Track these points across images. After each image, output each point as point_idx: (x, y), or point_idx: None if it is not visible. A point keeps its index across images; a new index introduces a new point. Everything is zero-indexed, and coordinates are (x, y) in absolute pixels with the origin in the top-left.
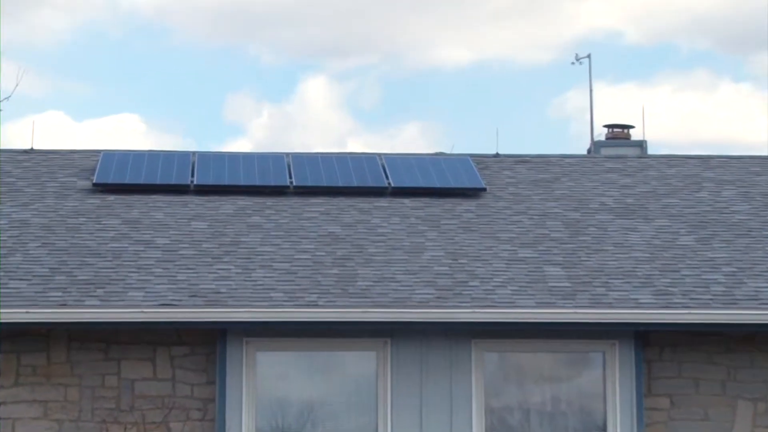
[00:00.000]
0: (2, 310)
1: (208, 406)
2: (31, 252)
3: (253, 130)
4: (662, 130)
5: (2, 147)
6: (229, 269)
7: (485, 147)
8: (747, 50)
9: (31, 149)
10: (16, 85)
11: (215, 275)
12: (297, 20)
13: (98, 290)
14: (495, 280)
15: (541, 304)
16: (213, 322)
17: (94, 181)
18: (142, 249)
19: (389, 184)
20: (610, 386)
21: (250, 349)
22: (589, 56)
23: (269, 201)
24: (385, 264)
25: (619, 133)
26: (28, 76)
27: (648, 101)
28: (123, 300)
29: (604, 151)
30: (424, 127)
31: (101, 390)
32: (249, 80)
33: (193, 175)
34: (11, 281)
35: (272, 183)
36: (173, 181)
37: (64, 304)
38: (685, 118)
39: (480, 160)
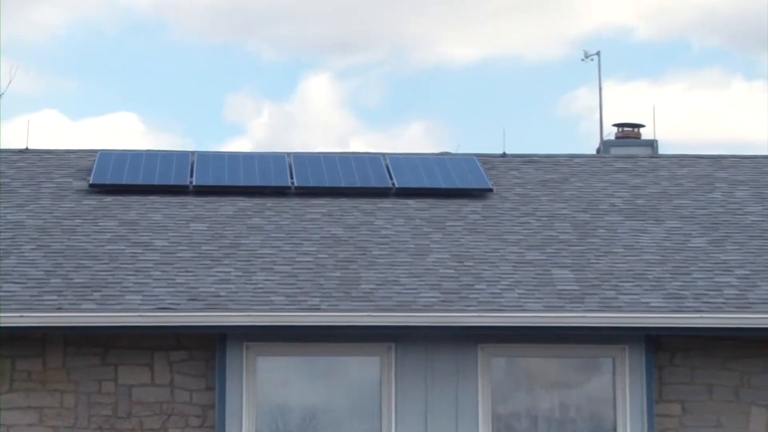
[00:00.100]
0: None
1: (208, 412)
2: (26, 254)
3: (253, 130)
4: (673, 129)
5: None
6: (229, 272)
7: (492, 146)
8: (760, 48)
9: (26, 149)
10: (9, 82)
11: (215, 278)
12: (298, 16)
13: (95, 294)
14: (502, 283)
15: (549, 308)
16: (212, 327)
17: (90, 182)
18: (139, 251)
19: (393, 184)
20: (620, 392)
21: (250, 354)
22: (598, 53)
23: (270, 202)
24: (389, 267)
25: (629, 133)
26: (22, 74)
27: (659, 100)
28: (120, 304)
29: (614, 151)
30: (429, 126)
31: (98, 396)
32: (249, 78)
33: (192, 176)
34: (5, 284)
35: (273, 183)
36: (172, 182)
37: (60, 308)
38: (696, 116)
39: (486, 160)
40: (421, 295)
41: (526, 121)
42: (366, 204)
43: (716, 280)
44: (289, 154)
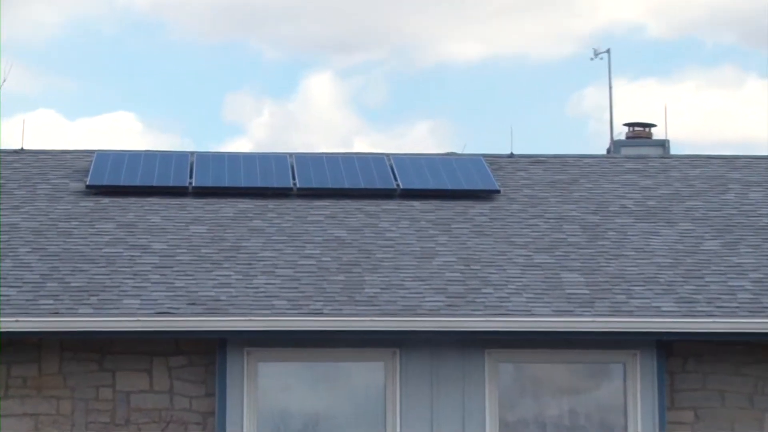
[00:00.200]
0: None
1: (208, 419)
2: (21, 258)
3: (253, 130)
4: (685, 128)
5: None
6: (230, 276)
7: (499, 147)
8: None
9: (22, 149)
10: (4, 81)
11: (215, 282)
12: (299, 14)
13: (92, 298)
14: (509, 286)
15: (558, 313)
16: (212, 332)
17: (87, 183)
18: (138, 254)
19: (398, 185)
20: (631, 399)
21: (251, 360)
22: (608, 51)
23: (271, 203)
24: (394, 270)
25: (640, 132)
26: (18, 73)
27: (670, 98)
28: (118, 308)
29: (624, 151)
30: (435, 126)
31: (95, 403)
32: (249, 77)
33: (191, 177)
34: (0, 288)
35: (275, 185)
36: (171, 183)
37: (56, 313)
38: (709, 116)
39: (493, 160)
40: (427, 299)
41: (534, 120)
42: (370, 206)
43: (730, 283)
44: (291, 154)
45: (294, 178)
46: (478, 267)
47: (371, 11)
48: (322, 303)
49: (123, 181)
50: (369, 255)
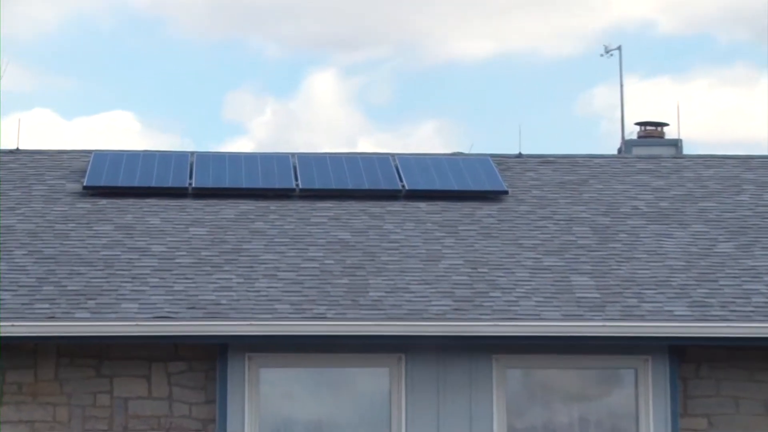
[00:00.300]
0: None
1: (208, 426)
2: (16, 260)
3: (255, 129)
4: (698, 128)
5: None
6: (230, 279)
7: (507, 146)
8: None
9: (17, 149)
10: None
11: (215, 285)
12: (301, 10)
13: (89, 302)
14: (518, 290)
15: (567, 317)
16: (213, 336)
17: (84, 184)
18: (136, 257)
19: (403, 186)
20: (643, 405)
21: (252, 366)
22: (619, 48)
23: (273, 205)
24: (399, 273)
25: (652, 132)
26: (13, 71)
27: (683, 97)
28: (116, 312)
29: (636, 151)
30: (441, 125)
31: (92, 409)
32: (250, 75)
33: (191, 177)
34: None
35: (277, 185)
36: (170, 184)
37: (53, 317)
38: (723, 114)
39: (501, 160)
40: (433, 303)
41: (542, 119)
42: (374, 207)
43: (744, 287)
44: (293, 154)
45: (296, 179)
46: (486, 270)
47: (376, 7)
48: (325, 307)
49: (121, 181)
50: (373, 257)
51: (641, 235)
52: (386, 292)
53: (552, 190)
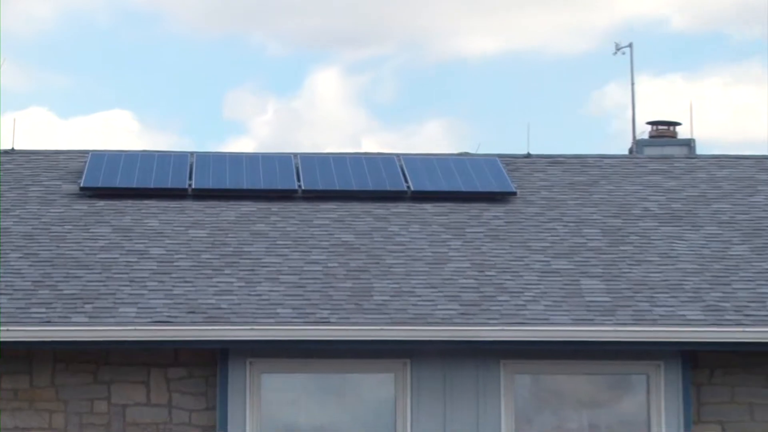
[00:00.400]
0: None
1: None
2: (11, 263)
3: (256, 128)
4: (712, 127)
5: None
6: (231, 282)
7: (515, 146)
8: None
9: (12, 150)
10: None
11: (216, 289)
12: (304, 6)
13: (86, 306)
14: (526, 294)
15: (577, 321)
16: (213, 341)
17: (81, 185)
18: (134, 260)
19: (408, 187)
20: (655, 412)
21: (254, 371)
22: (630, 45)
23: (275, 206)
24: (404, 276)
25: (664, 131)
26: (8, 69)
27: (696, 95)
28: (114, 317)
29: (648, 151)
30: (447, 125)
31: (89, 416)
32: (252, 73)
33: (191, 178)
34: None
35: (279, 186)
36: (169, 185)
37: (49, 322)
38: (737, 113)
39: (509, 160)
40: (439, 307)
41: (552, 119)
42: (379, 209)
43: (759, 290)
44: (295, 154)
45: (299, 180)
46: (493, 273)
47: (380, 3)
48: (328, 311)
49: (119, 183)
50: (378, 260)
51: (653, 238)
52: (391, 295)
53: (561, 191)
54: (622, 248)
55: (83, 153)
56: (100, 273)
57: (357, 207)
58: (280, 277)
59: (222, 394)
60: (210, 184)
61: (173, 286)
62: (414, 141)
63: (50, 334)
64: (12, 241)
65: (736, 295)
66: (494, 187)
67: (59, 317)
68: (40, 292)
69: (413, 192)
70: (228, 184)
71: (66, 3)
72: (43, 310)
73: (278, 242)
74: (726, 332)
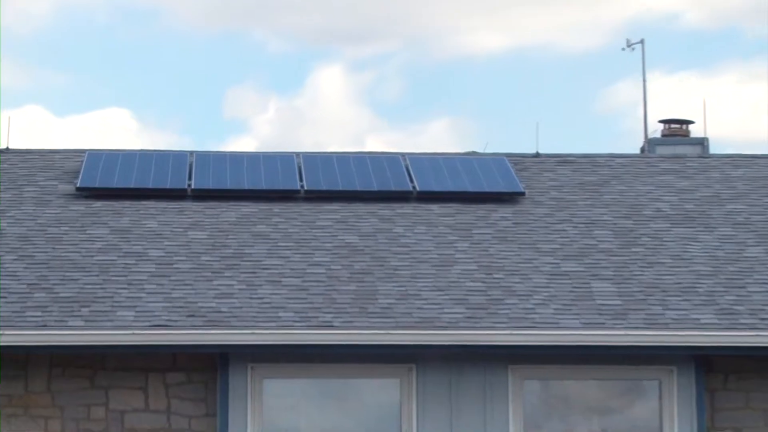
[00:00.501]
0: None
1: None
2: (6, 266)
3: (257, 127)
4: (726, 125)
5: None
6: (232, 285)
7: (523, 146)
8: None
9: (7, 149)
10: None
11: (216, 292)
12: (307, 2)
13: (83, 309)
14: (535, 297)
15: (587, 325)
16: (213, 346)
17: (77, 185)
18: (132, 262)
19: (414, 188)
20: (667, 419)
21: (255, 376)
22: (642, 42)
23: (277, 207)
24: (410, 279)
25: (676, 130)
26: (2, 66)
27: (710, 93)
28: (111, 320)
29: (660, 150)
30: (454, 123)
31: (86, 423)
32: (253, 70)
33: (190, 178)
34: None
35: (280, 187)
36: (168, 185)
37: (45, 326)
38: (752, 112)
39: (518, 160)
40: (445, 310)
41: (561, 117)
42: (384, 209)
43: None
44: (298, 154)
45: (301, 180)
46: (501, 276)
47: None
48: (332, 315)
49: (116, 183)
50: (383, 263)
51: (665, 239)
52: (396, 299)
53: (571, 191)
54: (633, 250)
55: (80, 152)
56: (97, 275)
57: (361, 208)
58: (282, 279)
59: (222, 400)
60: (210, 184)
61: (172, 289)
62: (419, 140)
63: (46, 338)
64: (7, 243)
65: (751, 298)
66: (502, 188)
67: (55, 321)
68: (35, 295)
69: (419, 192)
70: (228, 184)
71: None
72: (39, 313)
73: (280, 244)
74: (741, 336)
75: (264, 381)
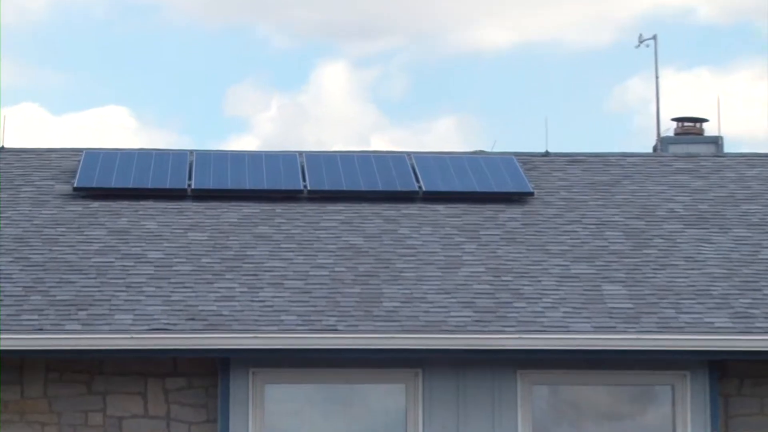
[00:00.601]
0: None
1: None
2: (1, 268)
3: (259, 125)
4: (741, 124)
5: None
6: (233, 288)
7: (532, 144)
8: None
9: (2, 148)
10: None
11: (216, 295)
12: None
13: (80, 312)
14: (544, 300)
15: (598, 329)
16: (214, 350)
17: (75, 185)
18: (131, 264)
19: (420, 187)
20: (681, 425)
21: (257, 382)
22: (654, 37)
23: (279, 208)
24: (416, 281)
25: (690, 128)
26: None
27: (724, 90)
28: (109, 324)
29: (673, 149)
30: (461, 122)
31: (84, 429)
32: (255, 67)
33: (190, 178)
34: None
35: (283, 187)
36: (167, 185)
37: (41, 329)
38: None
39: (526, 159)
40: (452, 314)
41: (571, 115)
42: (389, 210)
43: None
44: (301, 153)
45: (304, 180)
46: (510, 278)
47: None
48: (335, 318)
49: (114, 183)
50: (388, 265)
51: (678, 240)
52: (402, 302)
53: (581, 191)
54: (645, 252)
55: (77, 151)
56: (94, 278)
57: (366, 208)
58: (285, 282)
59: (223, 406)
60: (210, 184)
61: (172, 292)
62: (426, 139)
63: (42, 342)
64: (2, 245)
65: (766, 301)
66: (510, 188)
67: (52, 325)
68: (31, 298)
69: (425, 192)
70: (229, 184)
71: None
72: (35, 317)
73: (282, 245)
74: (756, 340)
75: (266, 386)
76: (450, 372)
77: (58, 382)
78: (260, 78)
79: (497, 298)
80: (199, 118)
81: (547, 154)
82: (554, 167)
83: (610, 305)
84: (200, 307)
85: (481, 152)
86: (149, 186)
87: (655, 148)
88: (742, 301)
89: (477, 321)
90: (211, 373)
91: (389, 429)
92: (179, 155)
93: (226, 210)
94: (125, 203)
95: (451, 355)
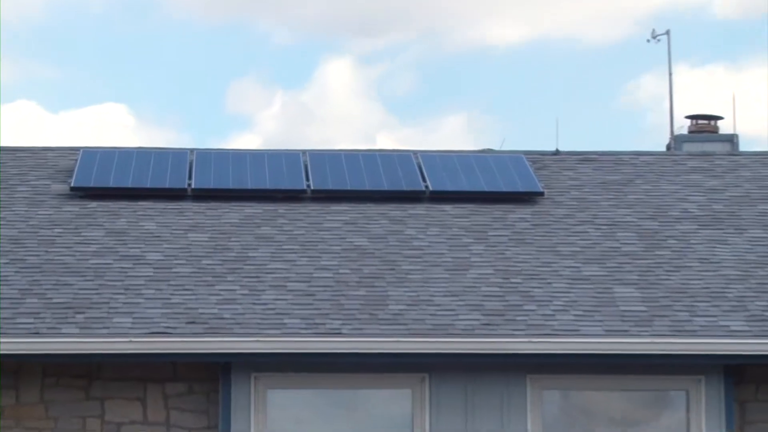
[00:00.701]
0: None
1: None
2: None
3: (261, 123)
4: (756, 121)
5: None
6: (234, 290)
7: (542, 143)
8: None
9: None
10: None
11: (218, 297)
12: None
13: (77, 316)
14: (555, 303)
15: (610, 333)
16: (215, 354)
17: (72, 185)
18: (129, 266)
19: (427, 187)
20: (695, 431)
21: (259, 387)
22: (667, 33)
23: (282, 208)
24: (422, 284)
25: (704, 126)
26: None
27: (739, 87)
28: (107, 327)
29: (687, 148)
30: (469, 120)
31: None
32: (257, 63)
33: (190, 178)
34: None
35: (286, 186)
36: (167, 185)
37: (37, 333)
38: None
39: (536, 158)
40: (460, 317)
41: (582, 112)
42: (395, 210)
43: None
44: (304, 151)
45: (308, 179)
46: (519, 280)
47: None
48: (340, 321)
49: (113, 182)
50: (394, 266)
51: (693, 241)
52: (408, 304)
53: (593, 190)
54: (658, 253)
55: (74, 150)
56: (92, 280)
57: (371, 208)
58: (288, 284)
59: (224, 412)
60: (211, 183)
61: (171, 295)
62: (433, 137)
63: (39, 346)
64: None
65: None
66: (520, 187)
67: (48, 328)
68: (27, 300)
69: (432, 192)
70: (231, 183)
71: None
72: (31, 320)
73: (285, 247)
74: None
75: (268, 391)
76: (458, 377)
77: (55, 387)
78: (263, 74)
79: (506, 300)
80: (200, 115)
81: (557, 152)
82: (565, 166)
83: (622, 308)
84: (201, 310)
85: (490, 151)
86: (148, 186)
87: (668, 147)
88: (758, 303)
89: (485, 324)
90: (212, 377)
91: None
92: (179, 154)
93: (227, 210)
94: (124, 203)
95: (458, 360)
